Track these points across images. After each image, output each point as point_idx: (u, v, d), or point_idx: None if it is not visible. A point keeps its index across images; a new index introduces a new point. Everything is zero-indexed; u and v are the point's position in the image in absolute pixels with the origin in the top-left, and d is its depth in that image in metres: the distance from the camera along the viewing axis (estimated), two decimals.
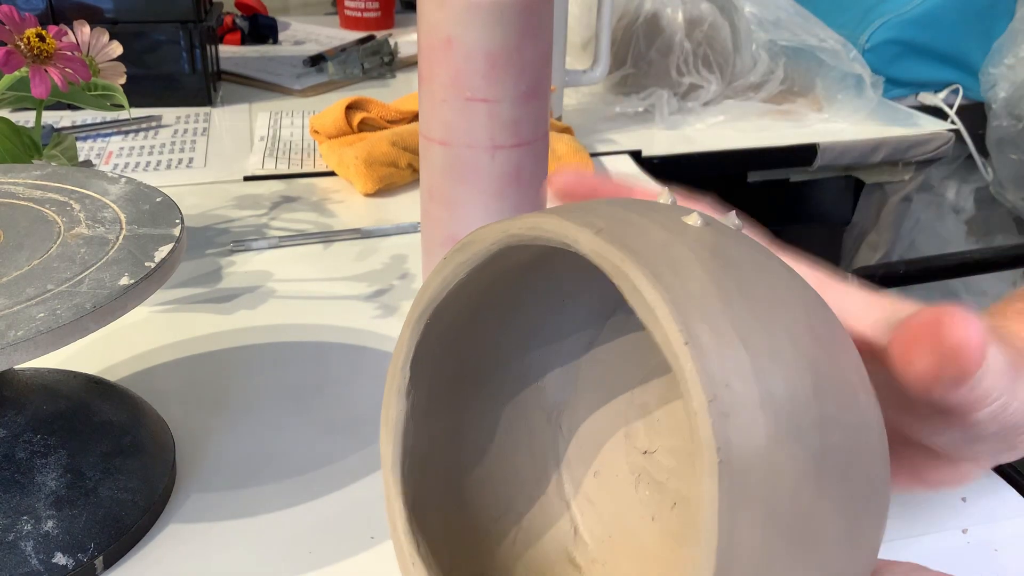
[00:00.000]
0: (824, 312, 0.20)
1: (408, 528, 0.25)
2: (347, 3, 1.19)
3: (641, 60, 0.88)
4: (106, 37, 0.48)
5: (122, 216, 0.34)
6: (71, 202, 0.35)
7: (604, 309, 0.29)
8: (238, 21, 1.09)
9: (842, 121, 0.88)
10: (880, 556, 0.32)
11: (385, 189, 0.64)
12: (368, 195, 0.64)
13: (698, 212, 0.20)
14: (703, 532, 0.17)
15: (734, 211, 0.22)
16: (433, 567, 0.25)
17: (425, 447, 0.26)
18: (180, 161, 0.71)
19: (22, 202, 0.35)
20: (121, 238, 0.32)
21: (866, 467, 0.19)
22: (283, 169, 0.69)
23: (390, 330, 0.46)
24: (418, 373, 0.25)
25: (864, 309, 0.24)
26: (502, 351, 0.28)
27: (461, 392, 0.28)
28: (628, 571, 0.27)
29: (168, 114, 0.81)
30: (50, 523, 0.30)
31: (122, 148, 0.74)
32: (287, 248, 0.55)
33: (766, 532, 0.17)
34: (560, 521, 0.29)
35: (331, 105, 0.69)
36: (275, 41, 1.10)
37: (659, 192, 0.23)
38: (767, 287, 0.19)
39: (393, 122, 0.70)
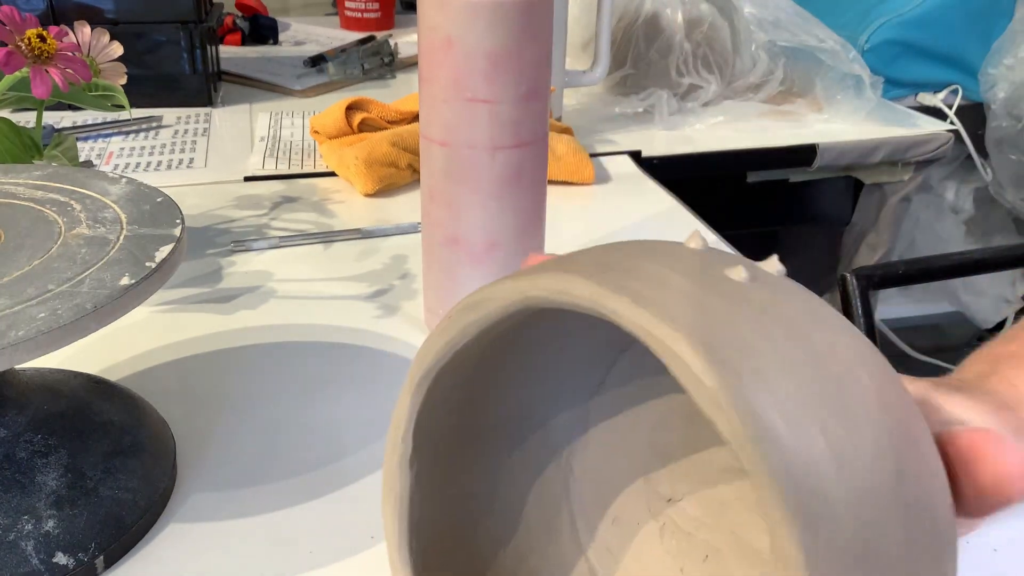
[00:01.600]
0: (884, 367, 0.19)
1: None
2: (347, 4, 1.19)
3: (641, 61, 0.89)
4: (107, 38, 0.48)
5: (123, 216, 0.34)
6: (72, 202, 0.35)
7: (612, 346, 0.27)
8: (238, 22, 1.09)
9: (841, 121, 0.88)
10: None
11: (385, 189, 0.64)
12: (368, 195, 0.64)
13: (742, 264, 0.18)
14: None
15: (775, 256, 0.20)
16: None
17: (432, 514, 0.25)
18: (181, 161, 0.71)
19: (23, 202, 0.35)
20: (122, 238, 0.32)
21: (942, 522, 0.18)
22: (283, 169, 0.69)
23: (390, 330, 0.46)
24: (420, 440, 0.23)
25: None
26: (504, 397, 0.26)
27: (466, 450, 0.26)
28: None
29: (169, 114, 0.81)
30: (51, 523, 0.30)
31: (123, 148, 0.74)
32: (287, 248, 0.55)
33: None
34: (576, 571, 0.27)
35: (331, 105, 0.69)
36: (275, 41, 1.10)
37: (689, 236, 0.21)
38: (828, 347, 0.17)
39: (393, 122, 0.70)
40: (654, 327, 0.16)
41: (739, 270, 0.18)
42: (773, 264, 0.20)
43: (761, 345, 0.16)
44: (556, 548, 0.27)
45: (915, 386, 0.25)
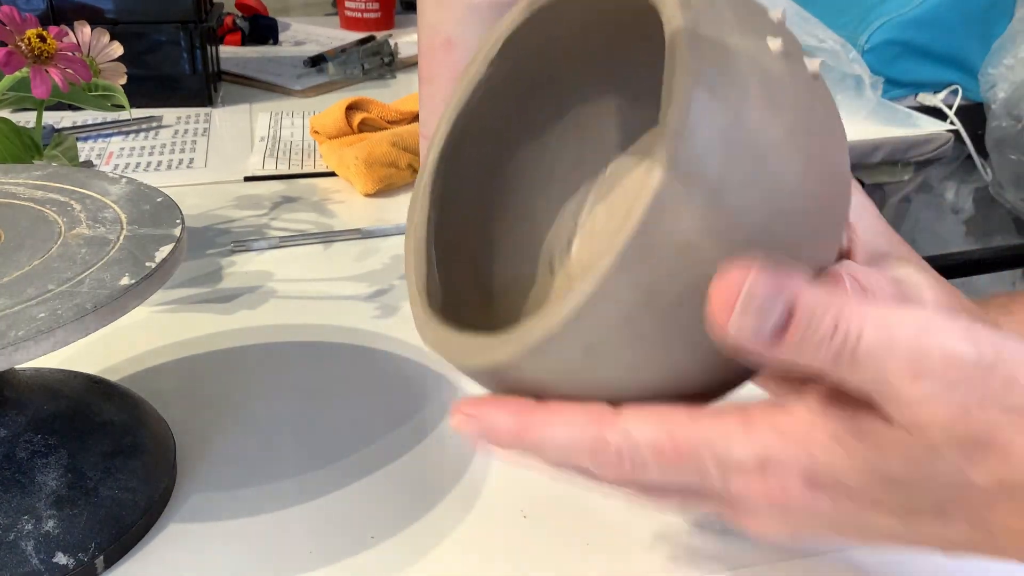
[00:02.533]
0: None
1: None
2: (347, 4, 1.19)
3: None
4: (107, 38, 0.48)
5: (123, 216, 0.34)
6: (72, 202, 0.35)
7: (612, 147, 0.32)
8: (238, 22, 1.09)
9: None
10: (882, 558, 0.32)
11: (385, 189, 0.64)
12: (368, 195, 0.64)
13: (782, 40, 0.22)
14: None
15: (819, 60, 0.23)
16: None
17: (447, 237, 0.29)
18: (181, 161, 0.71)
19: (23, 202, 0.35)
20: (122, 238, 0.32)
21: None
22: (283, 169, 0.69)
23: (390, 330, 0.46)
24: (447, 170, 0.29)
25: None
26: (517, 162, 0.32)
27: (482, 196, 0.31)
28: None
29: (169, 114, 0.81)
30: (51, 523, 0.30)
31: (123, 148, 0.74)
32: (287, 248, 0.55)
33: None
34: (561, 232, 0.32)
35: (331, 105, 0.69)
36: (275, 42, 1.10)
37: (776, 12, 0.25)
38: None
39: (393, 122, 0.70)
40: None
41: (778, 42, 0.22)
42: (814, 64, 0.23)
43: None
44: (559, 213, 0.33)
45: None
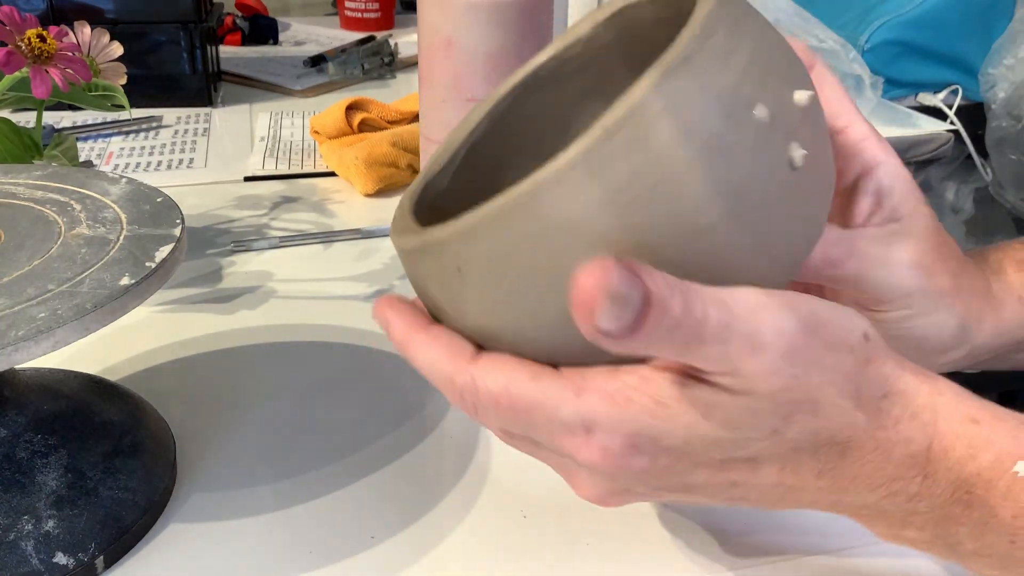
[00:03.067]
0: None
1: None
2: (347, 4, 1.19)
3: None
4: (107, 38, 0.48)
5: (123, 216, 0.34)
6: (72, 202, 0.35)
7: None
8: (238, 22, 1.09)
9: None
10: (882, 558, 0.32)
11: (385, 189, 0.64)
12: (368, 195, 0.64)
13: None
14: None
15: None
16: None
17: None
18: (181, 161, 0.71)
19: (23, 202, 0.35)
20: (122, 238, 0.32)
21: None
22: (283, 169, 0.69)
23: None
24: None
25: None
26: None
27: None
28: None
29: (169, 114, 0.81)
30: (51, 523, 0.30)
31: (123, 148, 0.74)
32: (287, 248, 0.55)
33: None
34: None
35: (331, 105, 0.69)
36: (275, 42, 1.10)
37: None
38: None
39: (393, 122, 0.70)
40: None
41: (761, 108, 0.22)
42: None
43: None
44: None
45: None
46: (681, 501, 0.26)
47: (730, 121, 0.21)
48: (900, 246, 0.31)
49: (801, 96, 0.23)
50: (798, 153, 0.22)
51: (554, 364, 0.24)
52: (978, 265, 0.35)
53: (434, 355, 0.24)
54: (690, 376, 0.22)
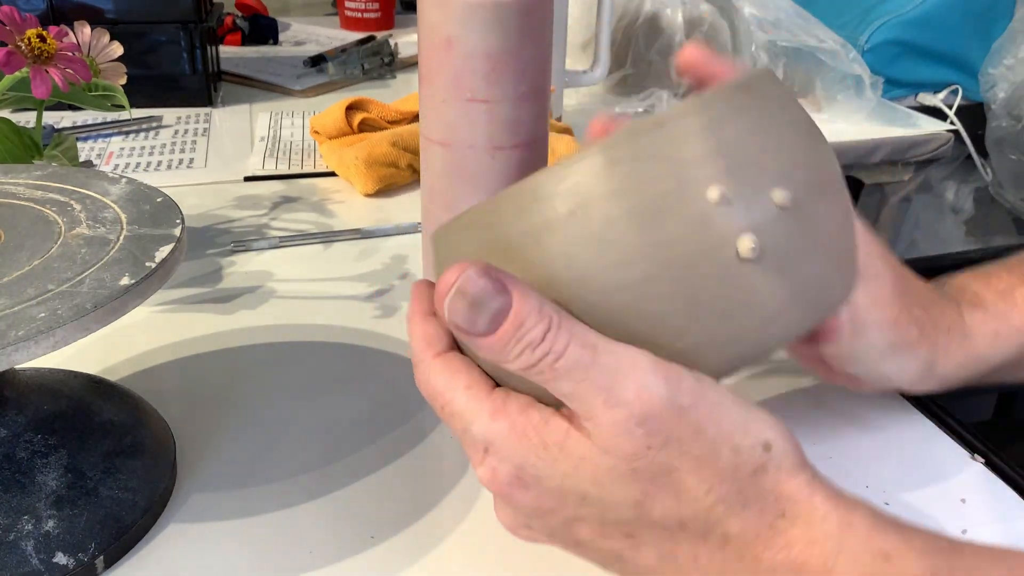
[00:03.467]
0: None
1: None
2: (347, 4, 1.19)
3: (641, 61, 0.89)
4: (107, 38, 0.48)
5: (123, 216, 0.34)
6: (72, 202, 0.35)
7: None
8: (238, 22, 1.09)
9: (842, 121, 0.88)
10: None
11: (385, 189, 0.64)
12: (368, 195, 0.64)
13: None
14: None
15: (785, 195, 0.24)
16: None
17: None
18: (181, 161, 0.71)
19: (23, 202, 0.35)
20: (122, 238, 0.32)
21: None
22: (283, 169, 0.69)
23: (390, 330, 0.46)
24: None
25: None
26: None
27: None
28: None
29: (169, 114, 0.81)
30: (51, 523, 0.30)
31: (123, 148, 0.74)
32: (287, 248, 0.55)
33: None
34: None
35: (331, 106, 0.69)
36: (275, 42, 1.10)
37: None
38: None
39: (393, 122, 0.70)
40: None
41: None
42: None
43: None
44: None
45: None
46: (582, 557, 0.26)
47: (676, 192, 0.22)
48: (866, 310, 0.31)
49: (781, 196, 0.23)
50: (747, 245, 0.22)
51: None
52: (950, 296, 0.35)
53: (412, 339, 0.26)
54: (574, 427, 0.23)
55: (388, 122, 0.70)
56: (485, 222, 0.25)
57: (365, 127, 0.69)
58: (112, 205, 0.35)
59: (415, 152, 0.65)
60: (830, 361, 0.33)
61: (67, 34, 0.45)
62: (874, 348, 0.32)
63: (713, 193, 0.22)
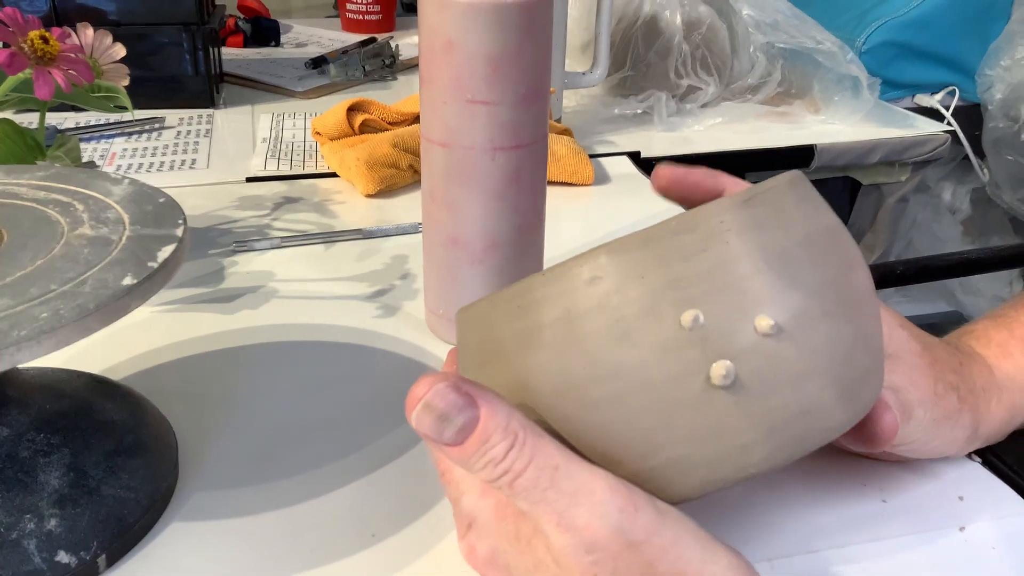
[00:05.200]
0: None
1: None
2: (348, 6, 1.19)
3: (640, 62, 0.89)
4: (109, 39, 0.48)
5: (125, 217, 0.34)
6: (75, 203, 0.35)
7: None
8: (240, 23, 1.09)
9: (839, 123, 0.88)
10: (879, 555, 0.32)
11: (386, 190, 0.65)
12: (369, 196, 0.64)
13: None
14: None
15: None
16: None
17: None
18: (183, 162, 0.71)
19: (26, 203, 0.35)
20: (124, 238, 0.32)
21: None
22: (285, 170, 0.69)
23: (391, 330, 0.47)
24: None
25: None
26: None
27: None
28: None
29: (171, 116, 0.82)
30: (53, 521, 0.30)
31: (125, 149, 0.74)
32: (289, 248, 0.56)
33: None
34: None
35: (333, 107, 0.70)
36: (277, 43, 1.10)
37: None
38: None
39: (394, 124, 0.70)
40: None
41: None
42: (763, 323, 0.23)
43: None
44: None
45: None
46: None
47: (652, 314, 0.22)
48: (906, 392, 0.30)
49: (765, 323, 0.22)
50: (720, 373, 0.22)
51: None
52: (975, 353, 0.34)
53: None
54: (540, 529, 0.23)
55: (389, 123, 0.70)
56: (484, 320, 0.25)
57: (366, 128, 0.69)
58: (115, 205, 0.35)
59: (416, 153, 0.65)
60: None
61: (70, 35, 0.45)
62: (920, 427, 0.30)
63: (687, 318, 0.22)
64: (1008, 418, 0.34)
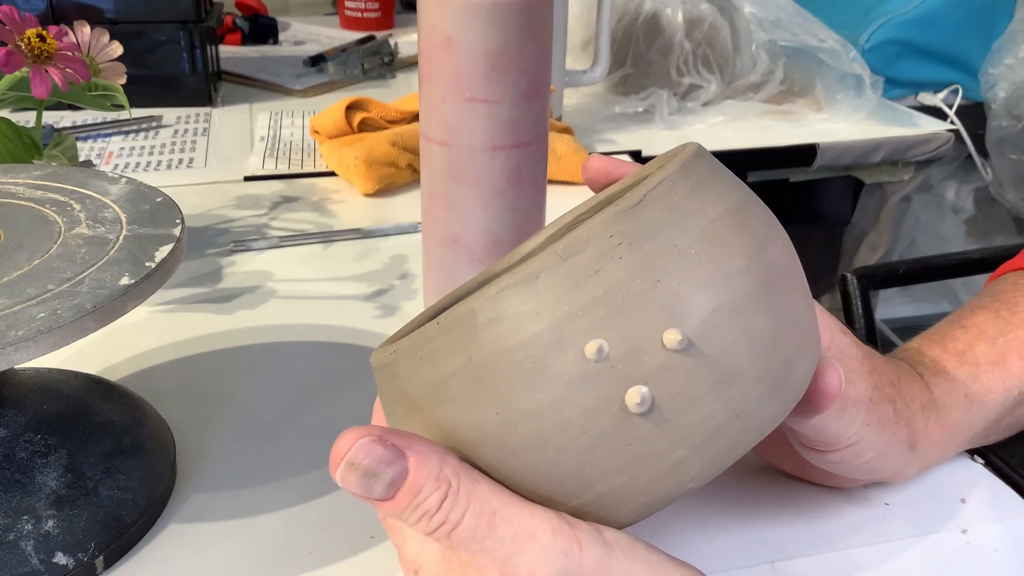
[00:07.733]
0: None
1: None
2: (347, 3, 1.19)
3: (641, 60, 0.89)
4: (106, 37, 0.48)
5: (122, 216, 0.34)
6: (71, 202, 0.35)
7: None
8: (238, 21, 1.09)
9: (842, 121, 0.88)
10: (882, 558, 0.32)
11: (385, 189, 0.64)
12: (368, 195, 0.64)
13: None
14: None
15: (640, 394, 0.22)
16: None
17: None
18: (180, 161, 0.71)
19: (22, 202, 0.35)
20: (121, 238, 0.32)
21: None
22: (283, 169, 0.69)
23: (390, 330, 0.46)
24: None
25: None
26: None
27: None
28: None
29: (168, 114, 0.81)
30: (50, 523, 0.30)
31: (122, 148, 0.74)
32: (287, 248, 0.55)
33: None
34: None
35: (331, 105, 0.69)
36: (275, 41, 1.10)
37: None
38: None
39: (393, 122, 0.70)
40: None
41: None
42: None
43: None
44: None
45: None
46: None
47: (555, 349, 0.21)
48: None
49: (672, 338, 0.20)
50: (635, 401, 0.21)
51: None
52: (915, 371, 0.34)
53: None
54: None
55: (388, 122, 0.70)
56: (392, 372, 0.23)
57: (365, 127, 0.69)
58: (112, 205, 0.35)
59: (415, 152, 0.65)
60: (809, 462, 0.31)
61: (67, 34, 0.45)
62: (855, 424, 0.29)
63: (590, 349, 0.21)
64: (947, 438, 0.33)
